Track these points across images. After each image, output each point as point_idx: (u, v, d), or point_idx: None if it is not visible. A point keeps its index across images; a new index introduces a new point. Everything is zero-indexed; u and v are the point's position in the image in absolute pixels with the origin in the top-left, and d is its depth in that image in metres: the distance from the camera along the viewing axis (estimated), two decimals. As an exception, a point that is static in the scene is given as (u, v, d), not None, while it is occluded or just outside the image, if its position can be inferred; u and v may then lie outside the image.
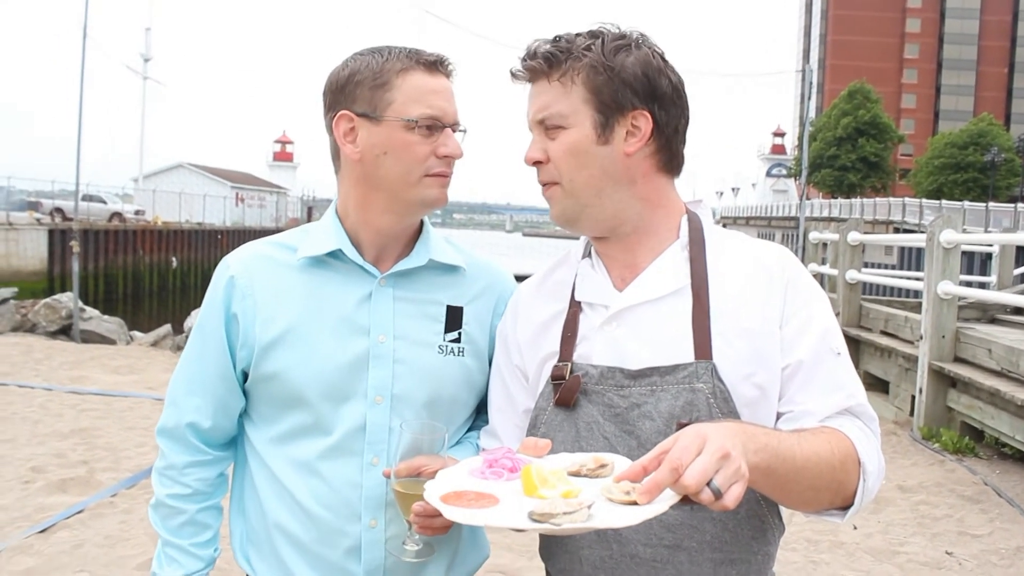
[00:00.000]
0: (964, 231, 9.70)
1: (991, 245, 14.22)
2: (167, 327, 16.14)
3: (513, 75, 1.69)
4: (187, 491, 1.89)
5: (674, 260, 1.67)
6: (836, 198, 64.19)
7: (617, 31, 1.65)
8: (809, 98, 29.95)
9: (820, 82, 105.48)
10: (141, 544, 5.08)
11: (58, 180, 40.79)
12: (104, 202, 41.93)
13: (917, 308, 9.97)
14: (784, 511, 1.67)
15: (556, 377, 1.66)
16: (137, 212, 44.96)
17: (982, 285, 15.06)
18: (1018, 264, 15.04)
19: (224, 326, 1.85)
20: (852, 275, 11.76)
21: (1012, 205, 43.80)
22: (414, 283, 1.87)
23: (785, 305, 1.61)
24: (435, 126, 1.76)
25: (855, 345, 10.95)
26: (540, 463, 1.45)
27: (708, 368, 1.56)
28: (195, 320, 1.94)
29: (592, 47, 1.61)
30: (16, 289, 17.36)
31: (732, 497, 1.24)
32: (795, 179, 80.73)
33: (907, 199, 47.91)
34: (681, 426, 1.38)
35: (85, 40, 18.16)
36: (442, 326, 1.87)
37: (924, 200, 46.49)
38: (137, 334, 16.72)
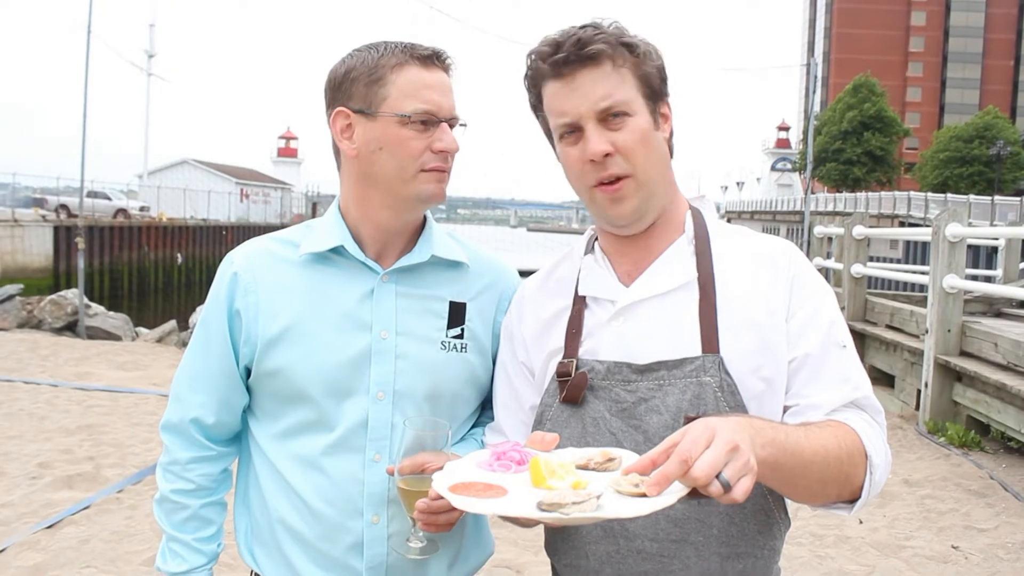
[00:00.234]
0: (970, 225, 9.65)
1: (997, 239, 14.18)
2: (172, 323, 16.18)
3: (558, 66, 1.58)
4: (191, 486, 1.90)
5: (680, 254, 1.67)
6: (841, 192, 64.01)
7: (616, 22, 1.64)
8: (814, 92, 29.89)
9: (825, 76, 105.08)
10: (147, 540, 5.10)
11: (63, 177, 40.89)
12: (109, 198, 42.00)
13: (922, 302, 9.95)
14: (790, 505, 1.67)
15: (562, 374, 1.66)
16: (142, 208, 45.06)
17: (988, 279, 15.02)
18: (1024, 258, 14.99)
19: (227, 322, 1.86)
20: (857, 269, 11.74)
21: (1018, 198, 43.71)
22: (417, 279, 1.87)
23: (791, 299, 1.62)
24: (430, 121, 1.75)
25: (860, 339, 10.93)
26: (548, 456, 1.45)
27: (715, 361, 1.56)
28: (200, 316, 1.94)
29: (622, 34, 1.60)
30: (22, 286, 17.43)
31: (741, 490, 1.24)
32: (800, 173, 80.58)
33: (912, 193, 47.77)
34: (688, 420, 1.38)
35: (89, 37, 18.20)
36: (445, 322, 1.87)
37: (929, 194, 46.32)
38: (142, 330, 16.77)
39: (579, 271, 1.75)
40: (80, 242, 18.47)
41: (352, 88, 1.78)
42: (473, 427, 1.97)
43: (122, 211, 41.52)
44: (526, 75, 1.67)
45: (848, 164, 68.88)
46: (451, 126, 1.79)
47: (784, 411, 1.60)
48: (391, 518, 1.80)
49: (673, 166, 1.72)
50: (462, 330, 1.88)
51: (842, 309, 7.55)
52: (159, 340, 15.30)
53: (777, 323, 1.60)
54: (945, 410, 8.46)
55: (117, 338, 15.51)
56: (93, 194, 38.02)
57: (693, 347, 1.58)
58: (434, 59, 1.78)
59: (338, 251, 1.84)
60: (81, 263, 18.21)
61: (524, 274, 2.04)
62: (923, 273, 10.99)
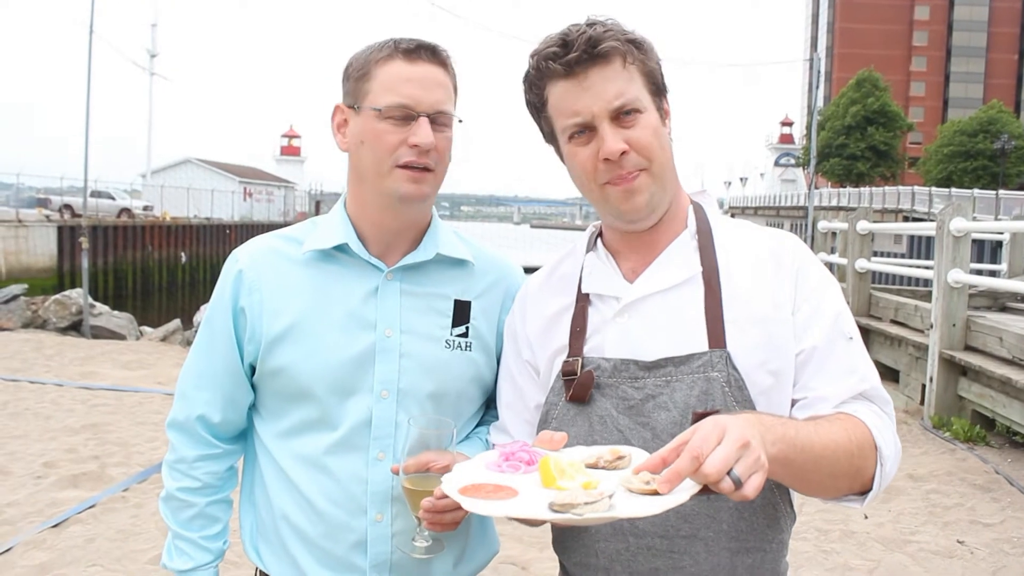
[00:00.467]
0: (974, 219, 9.64)
1: (1002, 233, 14.13)
2: (176, 322, 16.20)
3: (570, 66, 1.56)
4: (197, 484, 1.90)
5: (684, 249, 1.67)
6: (845, 187, 63.85)
7: (611, 18, 1.62)
8: (817, 87, 29.79)
9: (828, 71, 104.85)
10: (152, 538, 5.11)
11: (66, 176, 40.89)
12: (113, 198, 42.03)
13: (927, 297, 9.94)
14: (795, 499, 1.66)
15: (567, 373, 1.65)
16: (145, 208, 45.09)
17: (992, 273, 14.98)
18: (1029, 252, 14.93)
19: (232, 320, 1.86)
20: (861, 264, 11.72)
21: (1022, 192, 43.56)
22: (421, 277, 1.86)
23: (796, 292, 1.61)
24: (407, 115, 1.72)
25: (865, 334, 10.90)
26: (558, 455, 1.44)
27: (722, 356, 1.56)
28: (204, 314, 1.94)
29: (627, 32, 1.60)
30: (26, 286, 17.48)
31: (752, 487, 1.23)
32: (803, 168, 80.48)
33: (916, 187, 47.70)
34: (696, 416, 1.37)
35: (91, 37, 18.20)
36: (449, 320, 1.86)
37: (934, 188, 46.24)
38: (147, 329, 16.80)
39: (582, 268, 1.75)
40: (84, 242, 18.51)
41: (347, 84, 1.80)
42: (478, 426, 1.97)
43: (126, 210, 41.55)
44: (528, 75, 1.65)
45: (852, 159, 68.76)
46: (436, 121, 1.75)
47: (792, 405, 1.60)
48: (395, 516, 1.80)
49: (675, 161, 1.71)
50: (467, 328, 1.87)
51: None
52: (163, 339, 15.32)
53: (783, 317, 1.59)
54: (950, 405, 8.44)
55: (121, 337, 15.53)
56: (97, 194, 38.03)
57: (700, 342, 1.58)
58: (420, 52, 1.75)
59: (342, 249, 1.83)
60: (85, 263, 18.24)
61: (528, 270, 2.04)
62: (927, 268, 10.98)
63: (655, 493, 1.27)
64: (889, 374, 10.42)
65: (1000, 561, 5.11)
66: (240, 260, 1.88)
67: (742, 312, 1.59)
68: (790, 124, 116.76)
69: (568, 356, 1.67)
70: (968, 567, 5.03)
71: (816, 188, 37.11)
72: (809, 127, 51.35)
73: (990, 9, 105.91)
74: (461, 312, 1.87)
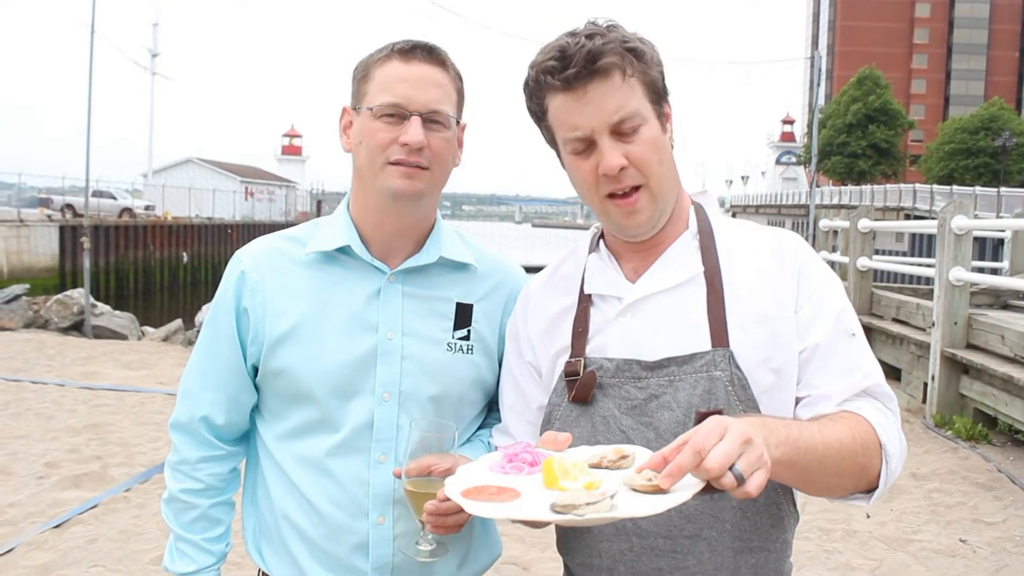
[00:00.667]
0: (976, 217, 9.63)
1: (1003, 231, 14.11)
2: (178, 322, 16.21)
3: (567, 82, 1.54)
4: (200, 486, 1.89)
5: (685, 249, 1.67)
6: (846, 185, 63.88)
7: (611, 21, 1.60)
8: (818, 85, 29.74)
9: (829, 69, 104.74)
10: (154, 539, 5.11)
11: (68, 176, 40.93)
12: (114, 198, 42.07)
13: (929, 295, 9.93)
14: (798, 499, 1.66)
15: (570, 373, 1.65)
16: (147, 207, 45.11)
17: (994, 271, 14.95)
18: (1031, 249, 14.91)
19: (235, 321, 1.85)
20: (863, 262, 11.71)
21: (1024, 190, 43.52)
22: (424, 280, 1.86)
23: (798, 290, 1.61)
24: (400, 114, 1.72)
25: (867, 333, 10.84)
26: (561, 456, 1.44)
27: (725, 355, 1.56)
28: (206, 315, 1.93)
29: (627, 39, 1.56)
30: (28, 286, 17.47)
31: (755, 483, 1.23)
32: (805, 167, 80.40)
33: (918, 185, 47.68)
34: (700, 415, 1.37)
35: (93, 36, 18.20)
36: (451, 323, 1.86)
37: (935, 186, 46.22)
38: (149, 329, 16.80)
39: (584, 269, 1.74)
40: (85, 242, 18.51)
41: (352, 86, 1.82)
42: (479, 428, 1.96)
43: (127, 210, 41.60)
44: (527, 85, 1.63)
45: (853, 157, 68.69)
46: (430, 120, 1.74)
47: (796, 403, 1.60)
48: (397, 519, 1.79)
49: (676, 160, 1.70)
50: (468, 331, 1.87)
51: (848, 303, 7.51)
52: (165, 339, 15.32)
53: (786, 315, 1.59)
54: (952, 403, 8.44)
55: (123, 337, 15.53)
56: (98, 193, 38.07)
57: (702, 342, 1.58)
58: (415, 52, 1.75)
59: (345, 251, 1.83)
60: (87, 262, 18.24)
61: (529, 269, 2.03)
62: (929, 266, 10.96)
63: (658, 489, 1.27)
64: (891, 373, 10.41)
65: (1003, 560, 5.11)
66: (243, 260, 1.87)
67: (744, 311, 1.59)
68: (791, 122, 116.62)
69: (570, 357, 1.67)
70: (971, 566, 5.03)
71: (817, 186, 37.06)
72: (810, 125, 51.28)
73: (991, 6, 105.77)
74: (463, 315, 1.87)
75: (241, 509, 1.97)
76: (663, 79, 1.63)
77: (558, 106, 1.59)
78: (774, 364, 1.57)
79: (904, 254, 28.66)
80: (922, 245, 28.91)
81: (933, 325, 8.77)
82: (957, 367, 8.42)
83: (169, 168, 65.32)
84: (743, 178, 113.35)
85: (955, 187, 46.74)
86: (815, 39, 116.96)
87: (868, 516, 5.75)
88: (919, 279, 14.87)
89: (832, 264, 13.04)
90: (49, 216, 35.48)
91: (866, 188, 53.14)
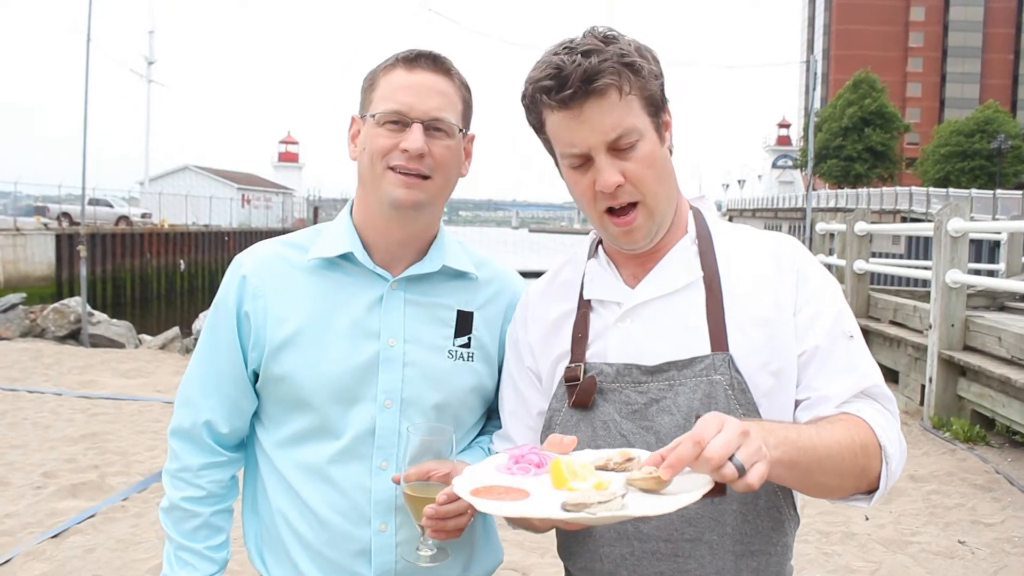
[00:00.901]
0: (972, 219, 9.65)
1: (999, 233, 14.14)
2: (175, 330, 16.19)
3: (563, 102, 1.53)
4: (202, 493, 1.88)
5: (684, 254, 1.67)
6: (842, 188, 63.91)
7: (611, 31, 1.59)
8: (814, 89, 29.87)
9: (825, 72, 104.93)
10: (153, 548, 5.10)
11: (64, 184, 40.87)
12: (111, 206, 42.03)
13: (926, 297, 9.93)
14: (797, 502, 1.66)
15: (570, 379, 1.65)
16: (144, 215, 45.02)
17: (991, 273, 14.99)
18: (1027, 251, 14.95)
19: (236, 326, 1.85)
20: (860, 265, 11.73)
21: (1019, 192, 43.57)
22: (425, 287, 1.86)
23: (797, 293, 1.62)
24: (401, 121, 1.73)
25: (864, 335, 10.61)
26: (569, 457, 1.44)
27: (725, 359, 1.56)
28: (204, 322, 1.93)
29: (625, 53, 1.54)
30: (24, 294, 17.48)
31: (756, 475, 1.24)
32: (801, 170, 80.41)
33: (914, 188, 47.73)
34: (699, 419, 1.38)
35: (89, 44, 18.22)
36: (452, 331, 1.86)
37: (931, 188, 46.30)
38: (146, 337, 16.78)
39: (583, 275, 1.75)
40: (82, 250, 18.50)
41: (360, 96, 1.83)
42: (479, 435, 1.97)
43: (124, 218, 41.54)
44: (525, 100, 1.62)
45: (849, 160, 68.79)
46: (432, 128, 1.75)
47: (795, 406, 1.60)
48: (399, 526, 1.79)
49: (674, 164, 1.71)
50: (469, 339, 1.88)
51: (845, 306, 7.51)
52: (162, 347, 15.31)
53: (784, 318, 1.60)
54: (950, 405, 8.44)
55: (120, 346, 15.52)
56: (95, 201, 38.07)
57: (702, 346, 1.59)
58: (419, 60, 1.77)
59: (347, 257, 1.83)
60: (83, 271, 18.24)
61: (526, 275, 2.04)
62: (926, 268, 10.97)
63: (658, 481, 1.27)
64: (888, 375, 10.42)
65: (1001, 561, 5.11)
66: (244, 265, 1.87)
67: (743, 314, 1.60)
68: (787, 126, 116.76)
69: (570, 362, 1.68)
70: (969, 567, 5.03)
71: (814, 190, 37.16)
72: (806, 129, 51.39)
73: (985, 9, 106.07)
74: (464, 323, 1.88)
75: (241, 517, 1.97)
76: (662, 90, 1.62)
77: (555, 123, 1.59)
78: (773, 367, 1.58)
79: (901, 257, 28.69)
80: (918, 248, 28.95)
81: (930, 327, 8.77)
82: (954, 369, 8.43)
83: (165, 176, 65.19)
84: (739, 182, 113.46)
85: (951, 190, 46.81)
86: (811, 43, 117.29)
87: (867, 518, 5.75)
88: (916, 281, 14.88)
89: (829, 267, 13.05)
90: (45, 224, 35.42)
91: (862, 191, 53.16)
